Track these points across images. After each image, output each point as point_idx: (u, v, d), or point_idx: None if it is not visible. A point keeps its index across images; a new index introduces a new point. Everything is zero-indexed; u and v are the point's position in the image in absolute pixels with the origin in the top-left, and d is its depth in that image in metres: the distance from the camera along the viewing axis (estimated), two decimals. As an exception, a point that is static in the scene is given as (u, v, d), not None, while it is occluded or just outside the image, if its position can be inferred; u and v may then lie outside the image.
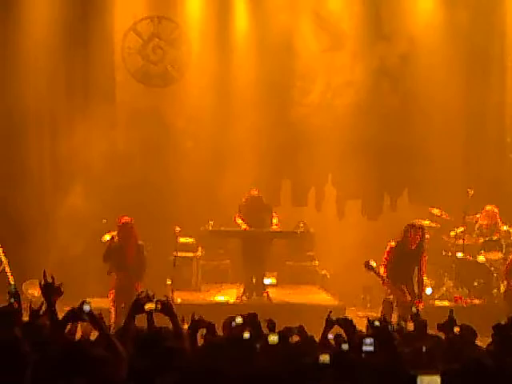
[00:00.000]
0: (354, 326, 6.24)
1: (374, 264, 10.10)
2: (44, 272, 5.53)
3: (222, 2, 14.26)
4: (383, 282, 10.17)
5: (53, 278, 5.49)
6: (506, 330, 6.27)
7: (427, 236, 12.57)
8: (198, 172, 13.92)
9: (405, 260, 10.25)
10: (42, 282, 5.49)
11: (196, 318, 6.28)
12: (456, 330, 6.38)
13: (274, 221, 12.54)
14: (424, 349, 5.78)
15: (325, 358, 5.23)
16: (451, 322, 6.79)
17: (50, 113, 13.95)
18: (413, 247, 10.27)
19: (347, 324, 6.23)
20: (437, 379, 4.48)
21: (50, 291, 5.46)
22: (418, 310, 7.65)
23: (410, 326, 6.84)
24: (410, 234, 10.25)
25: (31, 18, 13.57)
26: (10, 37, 13.52)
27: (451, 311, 6.89)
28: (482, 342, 6.57)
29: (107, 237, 11.11)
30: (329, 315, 6.51)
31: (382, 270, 10.14)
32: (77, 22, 13.73)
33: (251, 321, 6.71)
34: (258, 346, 5.74)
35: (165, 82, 14.41)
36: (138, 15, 14.32)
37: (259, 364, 5.32)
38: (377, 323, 6.15)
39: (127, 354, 5.04)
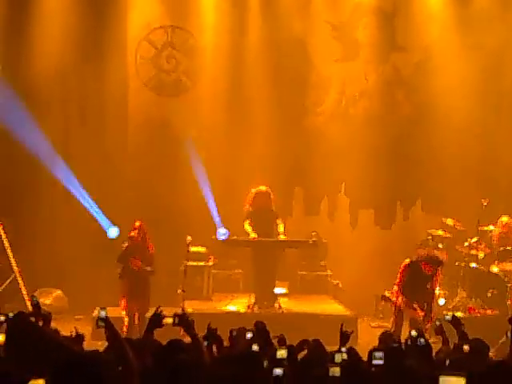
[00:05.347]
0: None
1: (388, 294, 10.35)
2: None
3: (235, 11, 14.21)
4: (399, 308, 10.11)
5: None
6: None
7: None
8: (210, 181, 13.88)
9: (418, 279, 10.15)
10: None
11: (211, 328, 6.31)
12: (465, 348, 6.36)
13: (281, 228, 12.05)
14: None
15: (335, 370, 5.20)
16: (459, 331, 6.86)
17: (63, 120, 13.99)
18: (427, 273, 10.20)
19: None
20: (461, 381, 4.41)
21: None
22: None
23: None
24: (424, 267, 10.12)
25: (45, 26, 13.62)
26: (24, 44, 13.55)
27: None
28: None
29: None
30: (341, 328, 6.51)
31: (395, 289, 10.13)
32: (91, 31, 13.75)
33: (261, 334, 6.70)
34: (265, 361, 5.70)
35: (177, 92, 14.40)
36: (152, 24, 14.34)
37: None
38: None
39: (144, 367, 5.02)
